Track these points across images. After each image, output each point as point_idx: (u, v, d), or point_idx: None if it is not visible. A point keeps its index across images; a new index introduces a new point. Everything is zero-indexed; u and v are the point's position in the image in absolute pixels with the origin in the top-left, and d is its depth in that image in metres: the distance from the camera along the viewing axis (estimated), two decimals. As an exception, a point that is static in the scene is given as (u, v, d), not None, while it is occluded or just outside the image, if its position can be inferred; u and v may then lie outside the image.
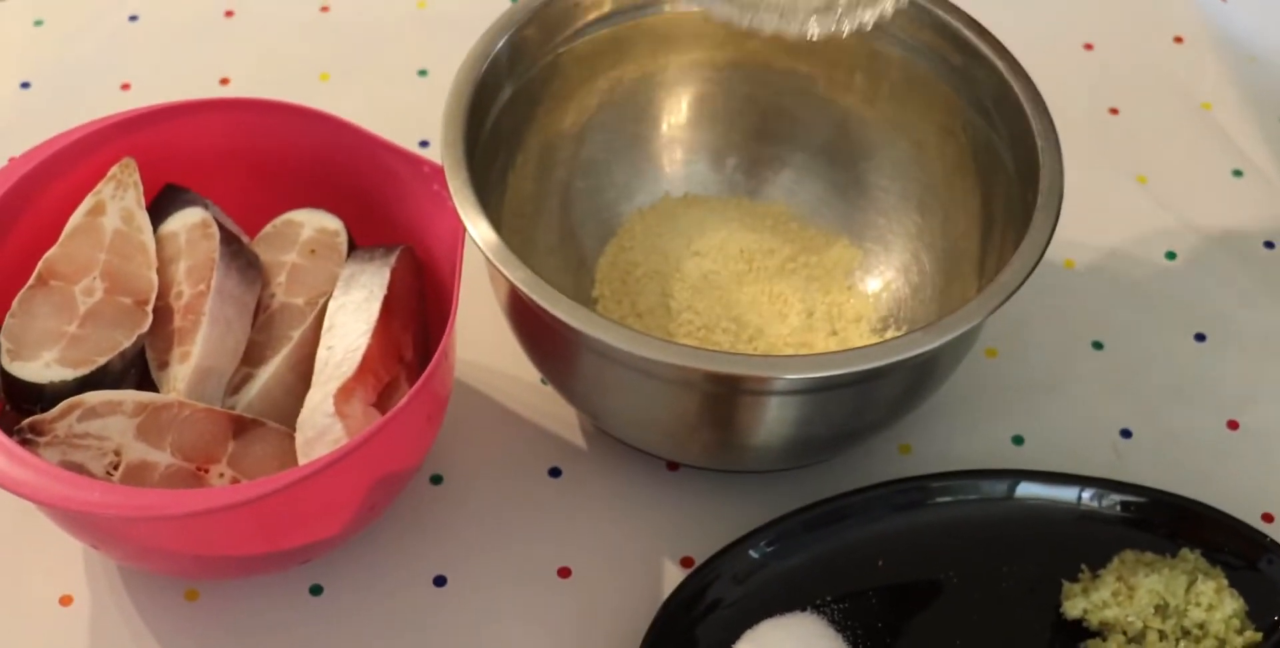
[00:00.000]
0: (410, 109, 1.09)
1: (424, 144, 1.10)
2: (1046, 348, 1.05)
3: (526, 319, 0.90)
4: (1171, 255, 1.09)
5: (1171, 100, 1.18)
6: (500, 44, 0.94)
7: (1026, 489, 0.93)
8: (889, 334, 1.01)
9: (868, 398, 0.89)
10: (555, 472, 0.97)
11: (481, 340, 1.00)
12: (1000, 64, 0.94)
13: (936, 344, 0.83)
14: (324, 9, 1.21)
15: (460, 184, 0.87)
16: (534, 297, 0.83)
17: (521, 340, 0.93)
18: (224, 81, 1.15)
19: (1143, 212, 1.12)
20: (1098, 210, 1.11)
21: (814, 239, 1.05)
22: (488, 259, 0.85)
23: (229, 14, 1.20)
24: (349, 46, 1.19)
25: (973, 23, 0.96)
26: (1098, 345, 1.05)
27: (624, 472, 0.97)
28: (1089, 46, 1.21)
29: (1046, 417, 1.01)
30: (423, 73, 1.17)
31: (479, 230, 0.85)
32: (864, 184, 1.05)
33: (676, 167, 1.07)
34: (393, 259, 0.91)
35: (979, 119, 0.96)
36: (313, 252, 0.92)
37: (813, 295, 1.02)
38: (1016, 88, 0.93)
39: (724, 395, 0.87)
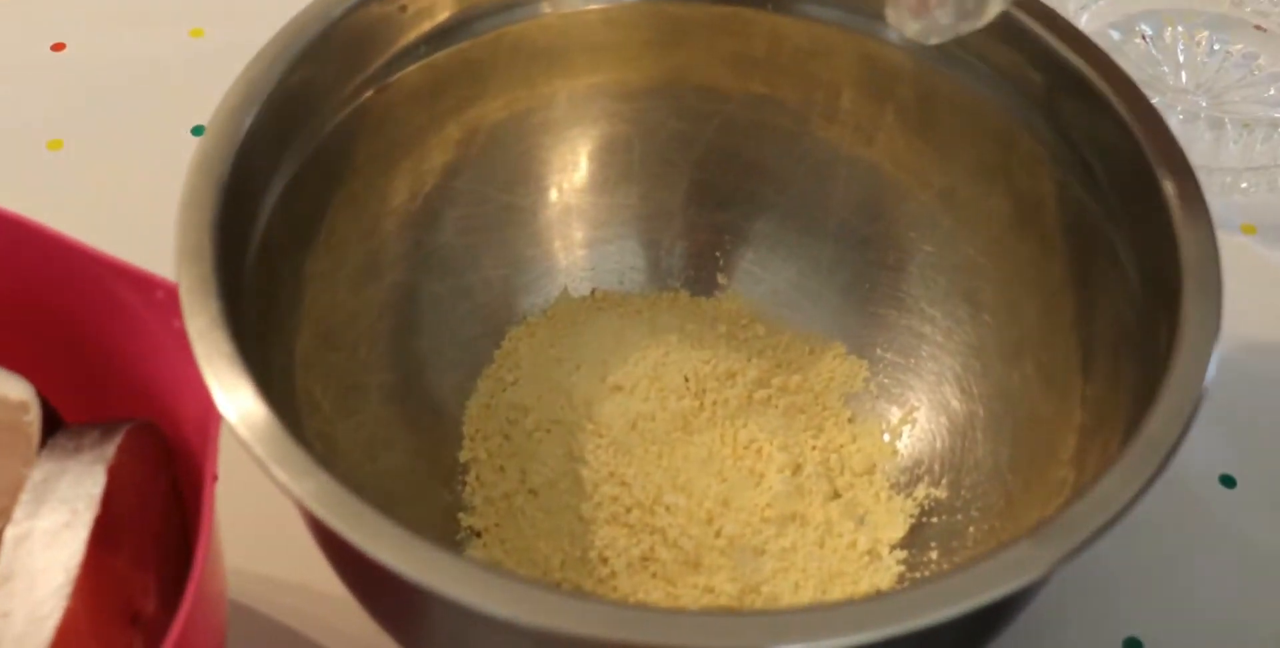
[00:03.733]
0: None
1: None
2: (1163, 488, 0.69)
3: (336, 546, 0.53)
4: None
5: None
6: (271, 87, 0.58)
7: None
8: (920, 492, 0.65)
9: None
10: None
11: (277, 535, 0.63)
12: (1097, 78, 0.59)
13: (1035, 577, 0.47)
14: (57, 47, 0.84)
15: (205, 324, 0.51)
16: (339, 528, 0.46)
17: (335, 569, 0.56)
18: (-91, 160, 0.79)
19: (1262, 272, 0.77)
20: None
21: (792, 348, 0.70)
22: (261, 465, 0.48)
23: (-83, 63, 0.83)
24: (92, 99, 0.83)
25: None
26: (1228, 481, 0.69)
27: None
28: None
29: (1170, 608, 0.66)
30: (198, 131, 0.80)
31: (234, 403, 0.49)
32: (863, 261, 0.69)
33: (577, 250, 0.72)
34: (111, 449, 0.54)
35: (1054, 158, 0.61)
36: (-16, 440, 0.56)
37: (798, 438, 0.67)
38: (1120, 108, 0.58)
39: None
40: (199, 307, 0.51)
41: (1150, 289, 0.57)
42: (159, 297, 0.55)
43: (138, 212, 0.76)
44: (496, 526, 0.64)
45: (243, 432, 0.48)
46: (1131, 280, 0.58)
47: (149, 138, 0.80)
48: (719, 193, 0.71)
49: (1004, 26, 0.62)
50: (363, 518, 0.47)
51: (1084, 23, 0.84)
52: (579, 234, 0.71)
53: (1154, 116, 0.58)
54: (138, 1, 0.87)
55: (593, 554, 0.62)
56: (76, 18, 0.86)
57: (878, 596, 0.50)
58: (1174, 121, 0.75)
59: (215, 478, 0.52)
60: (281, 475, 0.47)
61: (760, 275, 0.71)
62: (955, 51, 0.63)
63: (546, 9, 0.66)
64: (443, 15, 0.64)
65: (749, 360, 0.69)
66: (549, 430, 0.65)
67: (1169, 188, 0.56)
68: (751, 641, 0.45)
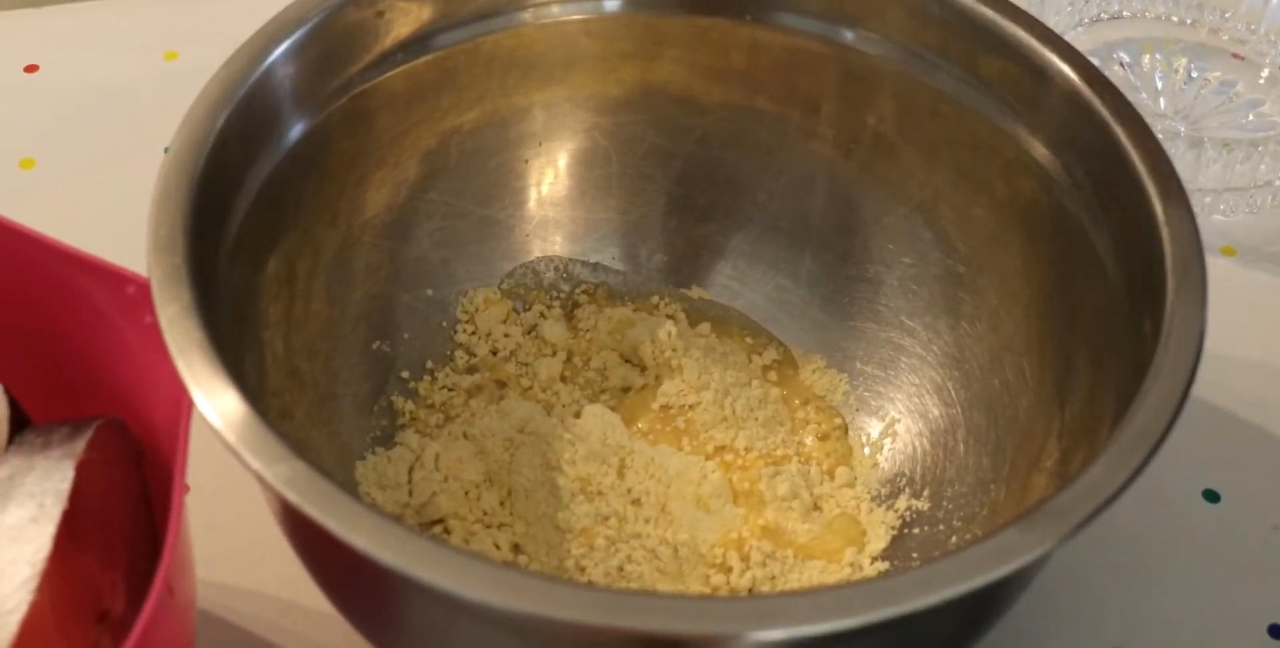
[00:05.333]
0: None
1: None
2: (1147, 502, 0.68)
3: (309, 536, 0.52)
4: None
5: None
6: (247, 85, 0.57)
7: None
8: (902, 504, 0.64)
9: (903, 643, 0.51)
10: None
11: (250, 547, 0.62)
12: (1079, 81, 0.59)
13: (1023, 562, 0.46)
14: (30, 68, 0.83)
15: (177, 312, 0.50)
16: (313, 514, 0.45)
17: (307, 565, 0.55)
18: (-119, 178, 0.78)
19: (1243, 294, 0.76)
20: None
21: (772, 362, 0.69)
22: (233, 451, 0.47)
23: (-109, 84, 0.82)
24: (65, 119, 0.82)
25: (1011, 8, 0.61)
26: (1211, 496, 0.68)
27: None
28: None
29: (1153, 621, 0.65)
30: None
31: (206, 390, 0.48)
32: (843, 275, 0.69)
33: (554, 265, 0.70)
34: (80, 445, 0.53)
35: (1036, 164, 0.60)
36: (-52, 438, 0.55)
37: (777, 450, 0.65)
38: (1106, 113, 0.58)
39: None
40: (170, 295, 0.50)
41: (1134, 292, 0.56)
42: (130, 292, 0.54)
43: (109, 230, 0.74)
44: (471, 534, 0.63)
45: (214, 418, 0.47)
46: (1115, 284, 0.57)
47: (121, 159, 0.79)
48: (697, 207, 0.70)
49: (987, 33, 0.61)
50: (337, 503, 0.46)
51: (1061, 49, 0.84)
52: (557, 248, 0.70)
53: (1136, 119, 0.58)
54: (111, 24, 0.86)
55: (569, 564, 0.61)
56: (50, 39, 0.85)
57: (861, 581, 0.49)
58: (1153, 141, 0.75)
59: (186, 489, 0.51)
60: (254, 462, 0.46)
61: (738, 290, 0.70)
62: (937, 60, 0.63)
63: (526, 18, 0.65)
64: (420, 22, 0.63)
65: (726, 374, 0.68)
66: (524, 440, 0.64)
67: (1152, 189, 0.56)
68: (732, 625, 0.44)
